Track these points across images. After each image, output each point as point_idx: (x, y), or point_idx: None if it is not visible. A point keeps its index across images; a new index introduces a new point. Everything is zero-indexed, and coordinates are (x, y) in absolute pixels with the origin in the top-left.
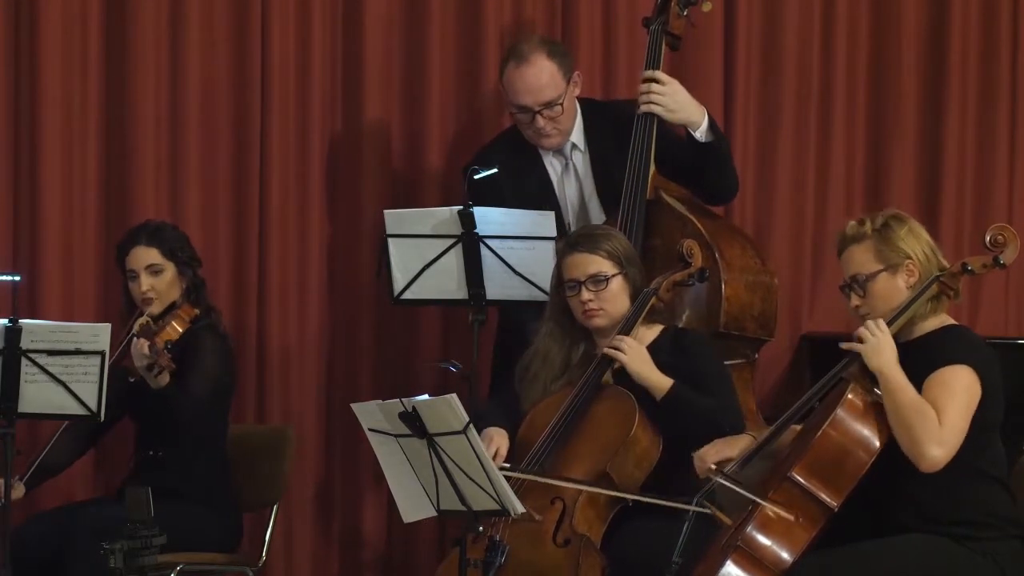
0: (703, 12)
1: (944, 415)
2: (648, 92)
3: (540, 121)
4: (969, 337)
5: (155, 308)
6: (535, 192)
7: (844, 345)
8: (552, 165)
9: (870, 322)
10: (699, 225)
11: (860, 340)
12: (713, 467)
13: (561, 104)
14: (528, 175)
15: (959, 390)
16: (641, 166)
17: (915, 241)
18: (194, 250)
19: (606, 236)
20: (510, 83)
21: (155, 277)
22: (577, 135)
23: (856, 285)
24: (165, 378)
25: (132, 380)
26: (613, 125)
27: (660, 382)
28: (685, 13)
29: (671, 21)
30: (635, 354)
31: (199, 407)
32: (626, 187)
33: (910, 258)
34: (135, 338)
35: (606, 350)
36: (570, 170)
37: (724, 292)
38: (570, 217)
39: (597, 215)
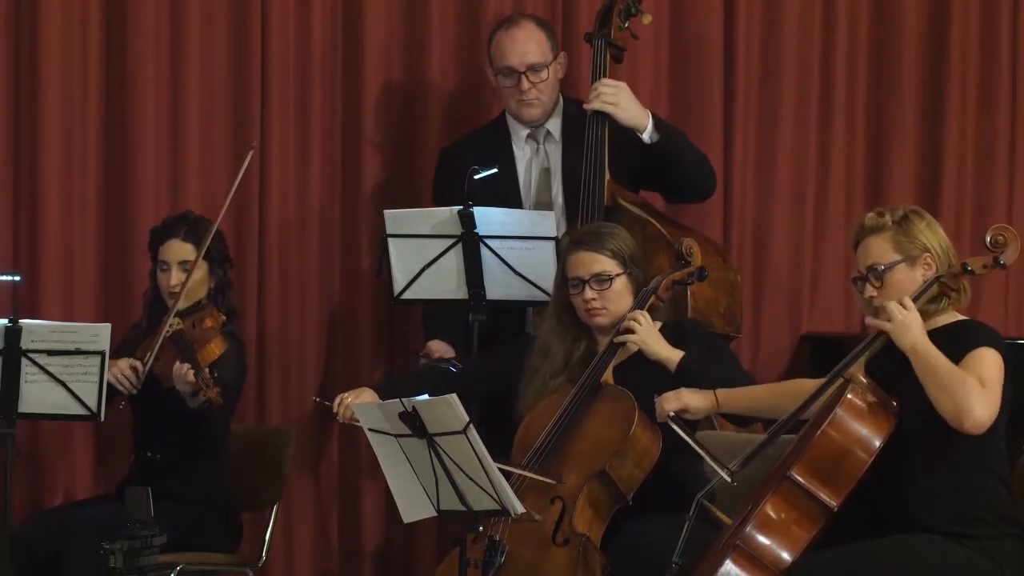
0: (643, 24)
1: (985, 383)
2: (597, 90)
3: (525, 83)
4: (986, 327)
5: (180, 303)
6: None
7: (870, 321)
8: (523, 150)
9: (895, 302)
10: (659, 226)
11: (887, 319)
12: (671, 414)
13: (547, 68)
14: (495, 157)
15: (994, 367)
16: (596, 167)
17: (933, 236)
18: (228, 250)
19: (611, 235)
20: (498, 46)
21: (186, 273)
22: (555, 125)
23: (873, 276)
24: (203, 404)
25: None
26: None
27: (671, 354)
28: (626, 25)
29: (613, 34)
30: (646, 330)
31: (217, 420)
32: (583, 189)
33: (928, 251)
34: (179, 363)
35: (617, 339)
36: (539, 155)
37: (689, 289)
38: (528, 203)
39: (559, 211)
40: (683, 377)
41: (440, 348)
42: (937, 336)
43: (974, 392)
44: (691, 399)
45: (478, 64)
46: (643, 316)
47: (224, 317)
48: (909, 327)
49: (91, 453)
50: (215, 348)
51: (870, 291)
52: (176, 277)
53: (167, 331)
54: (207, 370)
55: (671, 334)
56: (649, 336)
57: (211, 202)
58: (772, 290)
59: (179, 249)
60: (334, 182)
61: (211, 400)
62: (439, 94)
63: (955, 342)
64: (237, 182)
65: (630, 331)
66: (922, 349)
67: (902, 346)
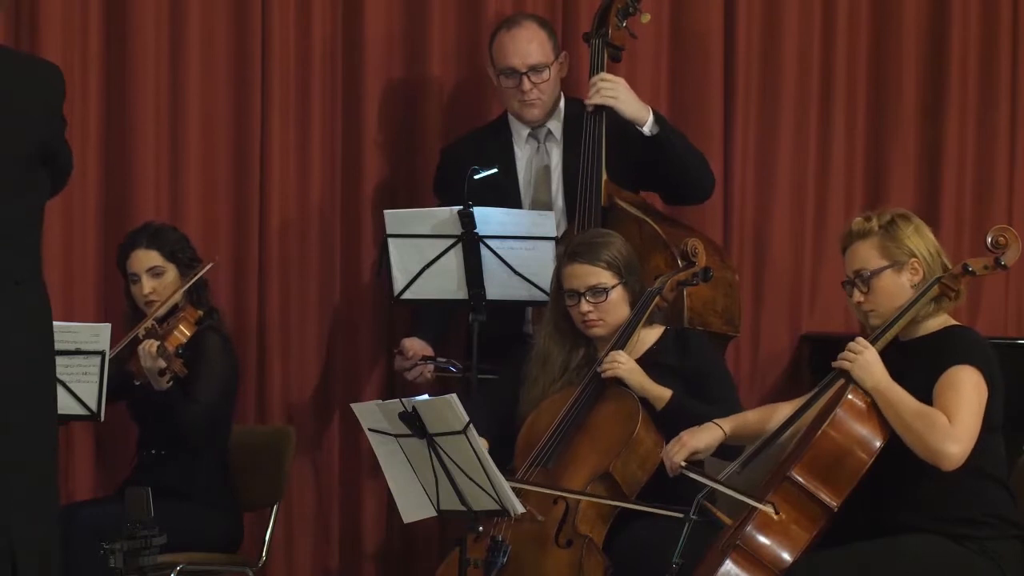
0: (642, 23)
1: (956, 414)
2: (596, 85)
3: (527, 84)
4: (972, 337)
5: (158, 311)
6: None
7: (835, 364)
8: (523, 150)
9: (851, 344)
10: (655, 226)
11: (847, 359)
12: (683, 464)
13: (549, 69)
14: (495, 156)
15: (968, 389)
16: (594, 167)
17: (920, 240)
18: (195, 250)
19: (606, 244)
20: (500, 46)
21: (157, 279)
22: (556, 125)
23: (860, 281)
24: (169, 380)
25: (137, 383)
26: None
27: (659, 393)
28: (624, 25)
29: (611, 33)
30: (630, 368)
31: (208, 414)
32: (580, 189)
33: (915, 256)
34: (144, 340)
35: (601, 369)
36: (540, 155)
37: (686, 289)
38: (528, 203)
39: (559, 211)
40: (668, 419)
41: (415, 346)
42: (926, 343)
43: (944, 432)
44: (697, 441)
45: (478, 64)
46: (621, 356)
47: (200, 313)
48: (869, 370)
49: (91, 453)
50: (184, 329)
51: (858, 296)
52: (148, 286)
53: (142, 332)
54: (174, 349)
55: (674, 343)
56: (632, 375)
57: (211, 202)
58: (772, 290)
59: (145, 258)
60: (334, 182)
61: (176, 373)
62: (439, 94)
63: (939, 353)
64: (190, 283)
65: (614, 368)
66: (883, 390)
67: (865, 388)
